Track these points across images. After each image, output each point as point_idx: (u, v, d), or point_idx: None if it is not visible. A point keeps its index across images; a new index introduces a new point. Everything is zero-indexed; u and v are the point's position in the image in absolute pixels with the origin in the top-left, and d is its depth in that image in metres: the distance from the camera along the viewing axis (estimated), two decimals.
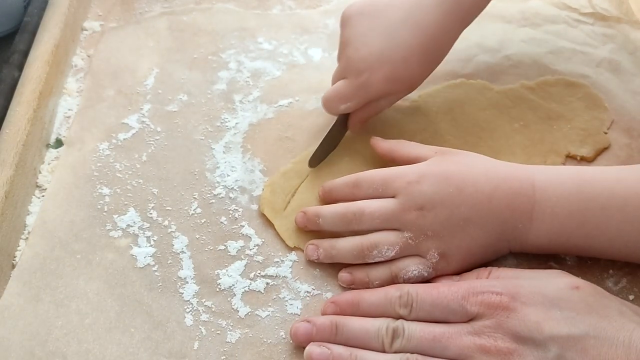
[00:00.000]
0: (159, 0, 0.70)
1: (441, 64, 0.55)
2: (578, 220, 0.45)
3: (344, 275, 0.47)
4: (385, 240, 0.46)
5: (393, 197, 0.47)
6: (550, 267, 0.48)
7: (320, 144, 0.55)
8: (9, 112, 0.53)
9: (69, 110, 0.59)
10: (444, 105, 0.59)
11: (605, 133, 0.57)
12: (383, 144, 0.53)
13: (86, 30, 0.67)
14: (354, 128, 0.56)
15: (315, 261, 0.48)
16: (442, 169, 0.47)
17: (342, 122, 0.55)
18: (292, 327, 0.44)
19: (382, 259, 0.46)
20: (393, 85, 0.53)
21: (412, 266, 0.46)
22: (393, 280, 0.46)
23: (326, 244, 0.48)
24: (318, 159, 0.55)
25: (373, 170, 0.49)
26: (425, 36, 0.52)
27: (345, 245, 0.47)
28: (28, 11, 0.65)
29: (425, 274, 0.46)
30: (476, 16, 0.55)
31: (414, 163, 0.49)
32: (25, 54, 0.59)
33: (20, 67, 0.58)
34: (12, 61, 0.59)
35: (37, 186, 0.53)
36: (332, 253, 0.48)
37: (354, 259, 0.47)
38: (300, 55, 0.65)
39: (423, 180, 0.46)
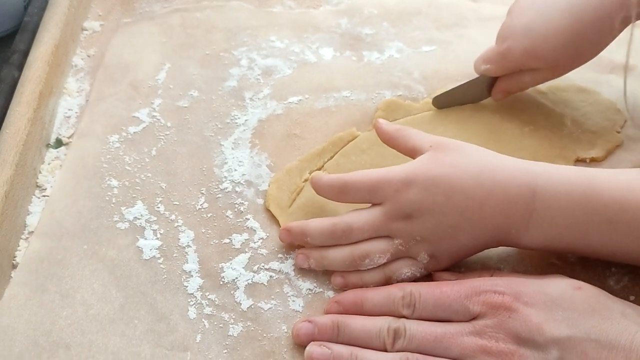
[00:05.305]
0: (159, 0, 0.70)
1: (452, 65, 0.55)
2: (579, 231, 0.43)
3: (337, 279, 0.47)
4: (376, 249, 0.46)
5: (380, 203, 0.46)
6: (553, 263, 0.48)
7: (452, 90, 0.58)
8: (9, 112, 0.53)
9: (69, 110, 0.59)
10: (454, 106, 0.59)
11: (618, 132, 0.57)
12: (385, 129, 0.51)
13: (86, 30, 0.67)
14: (496, 96, 0.58)
15: (307, 269, 0.48)
16: (430, 174, 0.45)
17: (487, 86, 0.58)
18: (294, 327, 0.44)
19: (375, 266, 0.46)
20: (532, 60, 0.54)
21: (405, 268, 0.46)
22: (387, 282, 0.46)
23: (316, 254, 0.47)
24: (443, 102, 0.58)
25: (359, 174, 0.47)
26: (574, 18, 0.51)
27: (337, 256, 0.47)
28: (28, 11, 0.64)
29: (418, 275, 0.46)
30: None
31: (411, 155, 0.48)
32: (25, 54, 0.59)
33: (20, 67, 0.57)
34: (12, 61, 0.59)
35: (37, 186, 0.53)
36: (324, 263, 0.47)
37: (346, 268, 0.47)
38: (311, 54, 0.65)
39: (409, 189, 0.45)
